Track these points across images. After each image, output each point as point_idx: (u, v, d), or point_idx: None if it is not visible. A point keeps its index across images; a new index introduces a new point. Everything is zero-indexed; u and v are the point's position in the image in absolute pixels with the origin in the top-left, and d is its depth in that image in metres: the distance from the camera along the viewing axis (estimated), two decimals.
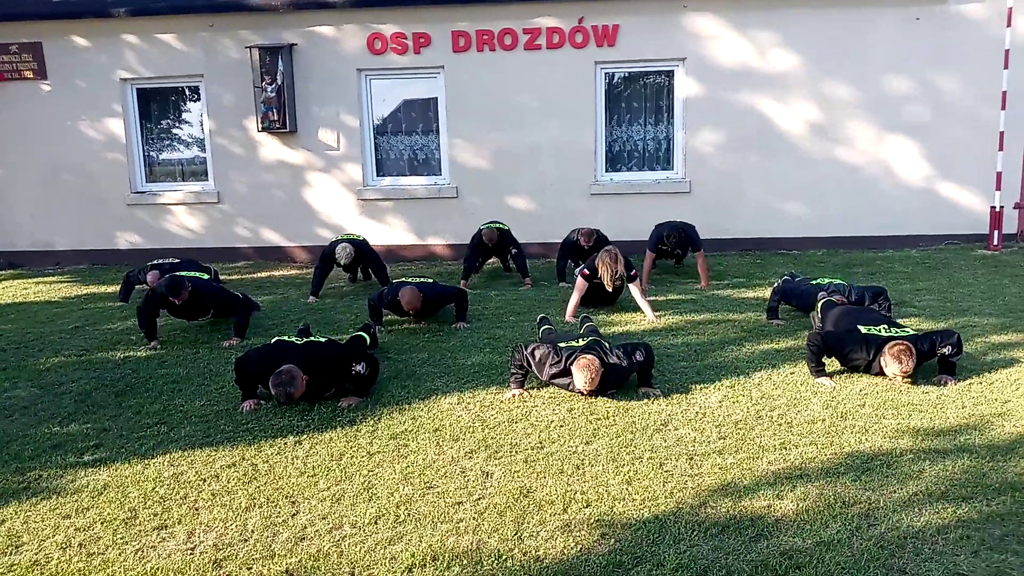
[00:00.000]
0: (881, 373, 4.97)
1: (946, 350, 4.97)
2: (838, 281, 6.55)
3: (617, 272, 6.55)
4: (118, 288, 8.39)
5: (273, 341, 5.30)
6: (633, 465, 3.97)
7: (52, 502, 3.80)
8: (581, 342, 5.00)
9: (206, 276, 7.28)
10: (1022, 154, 9.66)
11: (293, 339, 5.30)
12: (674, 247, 8.16)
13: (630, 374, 4.95)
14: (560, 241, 8.65)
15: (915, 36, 9.49)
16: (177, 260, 8.67)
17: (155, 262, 8.41)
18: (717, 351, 5.80)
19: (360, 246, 8.24)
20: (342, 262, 8.11)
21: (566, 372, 4.80)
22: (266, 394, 5.09)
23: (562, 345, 4.96)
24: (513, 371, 5.04)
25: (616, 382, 4.90)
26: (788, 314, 6.68)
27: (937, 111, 9.63)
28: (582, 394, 4.85)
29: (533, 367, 4.94)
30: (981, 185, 9.63)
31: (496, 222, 8.73)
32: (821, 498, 3.56)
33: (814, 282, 6.61)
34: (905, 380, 4.88)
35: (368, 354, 5.22)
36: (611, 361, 4.82)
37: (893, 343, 4.84)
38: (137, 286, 8.33)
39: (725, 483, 3.75)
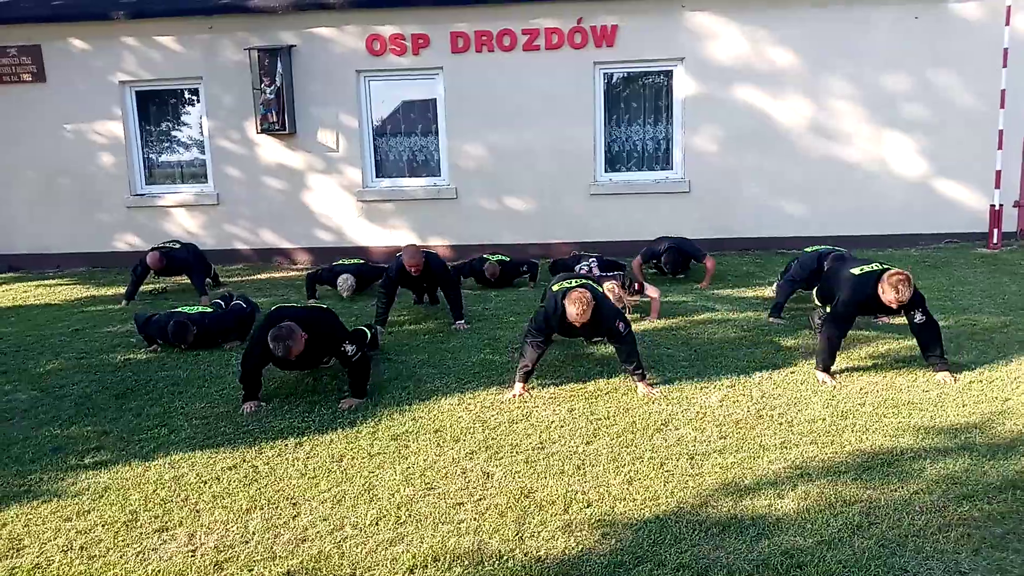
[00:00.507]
0: (880, 309, 5.06)
1: (917, 317, 4.98)
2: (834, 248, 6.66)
3: (580, 319, 6.39)
4: (119, 290, 8.42)
5: (273, 308, 5.34)
6: (634, 465, 3.97)
7: (53, 505, 3.80)
8: (574, 283, 5.18)
9: (209, 309, 6.92)
10: (1021, 152, 9.67)
11: (293, 303, 5.35)
12: (671, 271, 8.07)
13: (613, 327, 4.94)
14: (558, 241, 8.63)
15: (914, 35, 9.49)
16: (178, 244, 8.71)
17: (157, 245, 8.51)
18: (717, 351, 5.80)
19: (362, 271, 8.19)
20: (344, 295, 7.94)
21: (564, 314, 4.89)
22: (266, 395, 5.10)
23: (555, 288, 5.18)
24: (523, 364, 5.01)
25: (605, 322, 4.96)
26: (789, 313, 6.67)
27: (936, 110, 9.63)
28: (574, 330, 4.99)
29: (549, 330, 5.03)
30: (980, 183, 9.63)
31: (497, 255, 8.62)
32: (822, 497, 3.56)
33: (809, 250, 6.71)
34: (900, 301, 4.85)
35: (364, 350, 5.21)
36: (601, 296, 5.05)
37: (891, 272, 4.91)
38: (142, 287, 8.39)
39: (726, 482, 3.75)
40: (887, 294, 4.85)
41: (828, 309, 5.64)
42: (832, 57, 9.61)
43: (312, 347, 4.84)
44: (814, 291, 6.10)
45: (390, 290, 6.70)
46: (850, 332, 5.45)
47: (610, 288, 6.47)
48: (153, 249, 8.36)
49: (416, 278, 6.79)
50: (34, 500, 3.86)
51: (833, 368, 5.18)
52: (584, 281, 5.29)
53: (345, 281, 7.89)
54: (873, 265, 5.20)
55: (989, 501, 3.47)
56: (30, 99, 10.49)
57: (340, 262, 8.54)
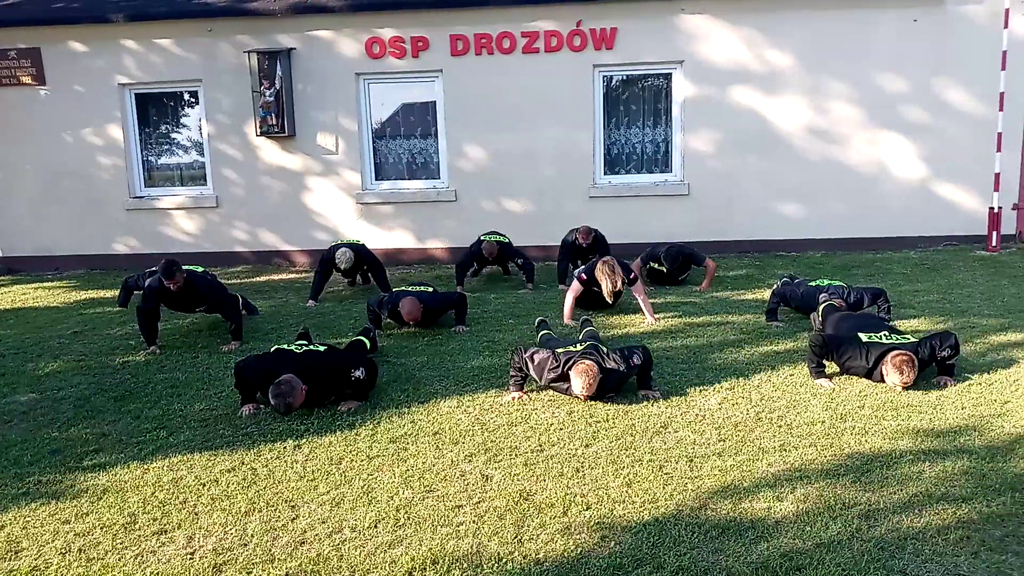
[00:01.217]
0: (881, 380, 4.94)
1: (945, 352, 4.97)
2: (837, 283, 6.56)
3: (616, 285, 6.49)
4: (118, 293, 8.41)
5: (272, 349, 5.30)
6: (633, 467, 3.97)
7: (51, 507, 3.79)
8: (579, 347, 5.00)
9: (200, 268, 7.17)
10: (1020, 155, 9.68)
11: (292, 347, 5.27)
12: (670, 267, 8.04)
13: (628, 378, 4.94)
14: (558, 244, 8.64)
15: (913, 38, 9.51)
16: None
17: (153, 269, 8.43)
18: (716, 353, 5.80)
19: (359, 250, 8.25)
20: (342, 267, 8.12)
21: (564, 377, 4.80)
22: (265, 398, 5.09)
23: (560, 351, 4.97)
24: (512, 373, 5.04)
25: (614, 387, 4.90)
26: (787, 316, 6.68)
27: (935, 112, 9.64)
28: (580, 399, 4.86)
29: (532, 371, 4.94)
30: (979, 186, 9.64)
31: (496, 234, 8.69)
32: (821, 500, 3.56)
33: (813, 283, 6.63)
34: (904, 390, 4.85)
35: (367, 359, 5.23)
36: (608, 366, 4.82)
37: (896, 353, 4.80)
38: (136, 292, 8.35)
39: (725, 485, 3.75)
40: (891, 376, 4.79)
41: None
42: (831, 60, 9.63)
43: (313, 395, 4.86)
44: (819, 308, 6.09)
45: (379, 318, 6.67)
46: None
47: (606, 260, 6.50)
48: (151, 276, 8.14)
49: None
50: (32, 502, 3.85)
51: (831, 371, 5.18)
52: (589, 345, 5.03)
53: (344, 254, 7.98)
54: (882, 336, 5.07)
55: (988, 504, 3.47)
56: (30, 102, 10.50)
57: (338, 242, 8.52)
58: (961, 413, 4.51)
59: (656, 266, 8.19)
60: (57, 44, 10.36)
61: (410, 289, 6.90)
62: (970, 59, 9.45)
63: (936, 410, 4.56)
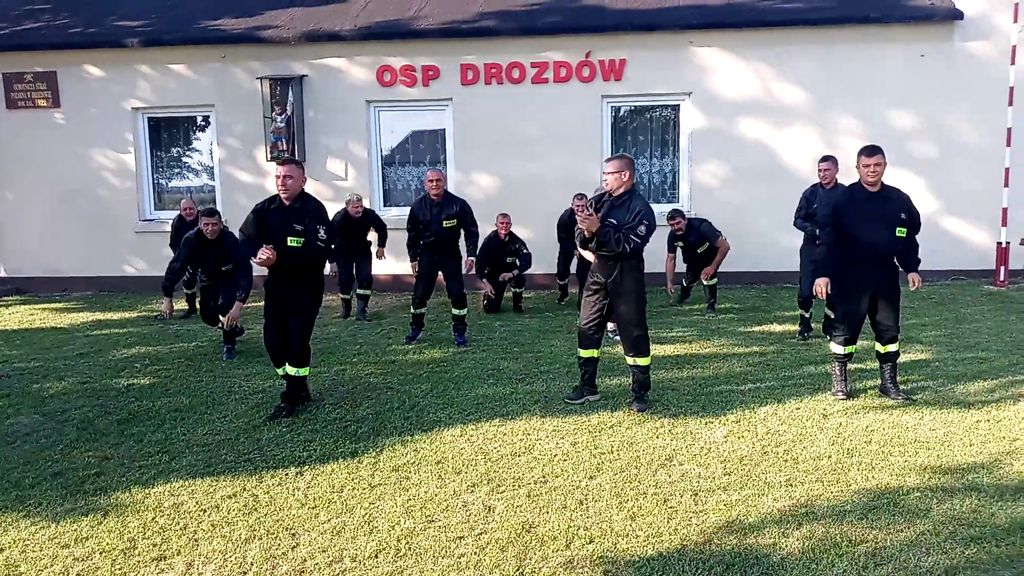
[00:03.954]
0: (864, 197, 5.30)
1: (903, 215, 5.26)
2: None
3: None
4: (125, 315, 8.46)
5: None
6: (637, 501, 3.93)
7: (51, 531, 3.77)
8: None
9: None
10: None
11: None
12: (684, 235, 8.37)
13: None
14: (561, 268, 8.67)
15: (921, 72, 9.57)
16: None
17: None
18: (722, 385, 5.77)
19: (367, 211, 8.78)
20: (350, 210, 8.53)
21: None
22: (268, 425, 5.09)
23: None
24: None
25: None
26: (794, 347, 6.63)
27: (943, 147, 9.67)
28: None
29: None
30: (987, 221, 9.63)
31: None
32: (827, 536, 3.51)
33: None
34: (876, 171, 5.24)
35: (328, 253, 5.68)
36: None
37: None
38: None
39: (730, 520, 3.70)
40: (862, 159, 5.24)
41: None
42: (839, 93, 9.68)
43: (306, 201, 5.30)
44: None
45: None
46: (855, 367, 5.41)
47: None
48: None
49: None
50: (32, 525, 3.83)
51: (839, 407, 5.14)
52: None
53: (355, 196, 8.63)
54: None
55: (997, 543, 3.41)
56: (44, 124, 10.63)
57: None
58: (969, 450, 4.46)
59: (679, 243, 8.48)
60: (73, 68, 10.52)
61: None
62: (977, 94, 9.49)
63: (944, 447, 4.51)
